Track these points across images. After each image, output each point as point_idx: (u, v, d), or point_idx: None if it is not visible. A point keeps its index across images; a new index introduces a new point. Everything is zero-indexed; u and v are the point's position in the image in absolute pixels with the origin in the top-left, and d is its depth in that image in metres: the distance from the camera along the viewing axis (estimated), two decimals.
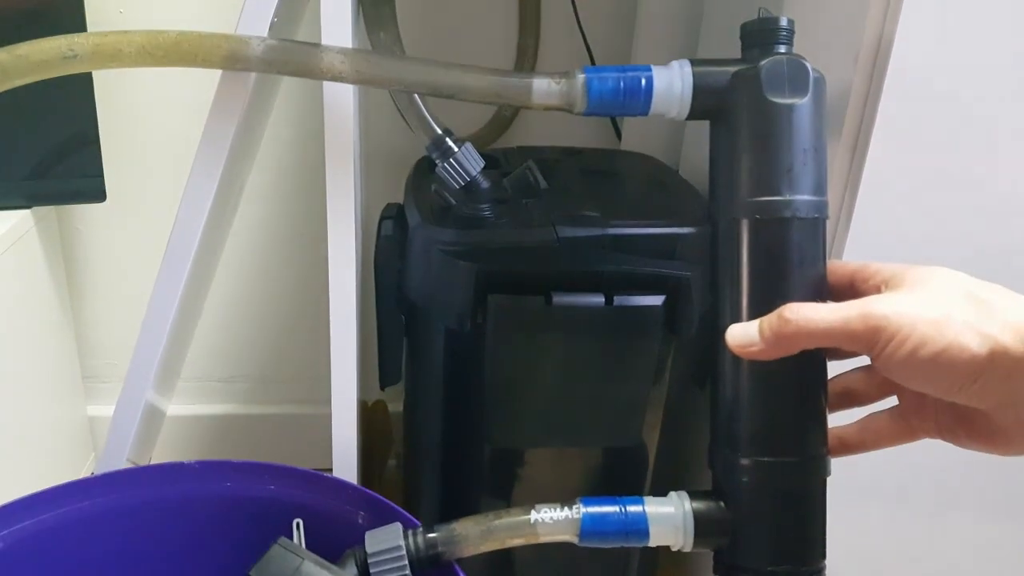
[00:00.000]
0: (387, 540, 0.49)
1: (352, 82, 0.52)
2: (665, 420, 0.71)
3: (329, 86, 0.57)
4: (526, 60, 0.96)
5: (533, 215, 0.67)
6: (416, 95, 0.63)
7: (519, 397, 0.69)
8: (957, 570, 0.78)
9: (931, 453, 0.68)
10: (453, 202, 0.66)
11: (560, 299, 0.63)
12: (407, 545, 0.49)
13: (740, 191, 0.47)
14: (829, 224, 0.58)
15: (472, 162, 0.65)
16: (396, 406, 1.06)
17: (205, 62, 0.52)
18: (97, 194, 0.87)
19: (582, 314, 0.64)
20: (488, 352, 0.66)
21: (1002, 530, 0.75)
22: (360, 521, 0.57)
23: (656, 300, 0.64)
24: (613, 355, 0.67)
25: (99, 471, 0.60)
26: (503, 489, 0.73)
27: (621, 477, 0.73)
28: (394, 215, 0.72)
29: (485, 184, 0.66)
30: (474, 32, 0.97)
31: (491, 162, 0.72)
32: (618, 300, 0.63)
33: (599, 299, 0.63)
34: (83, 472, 1.06)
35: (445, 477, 0.76)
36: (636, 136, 0.95)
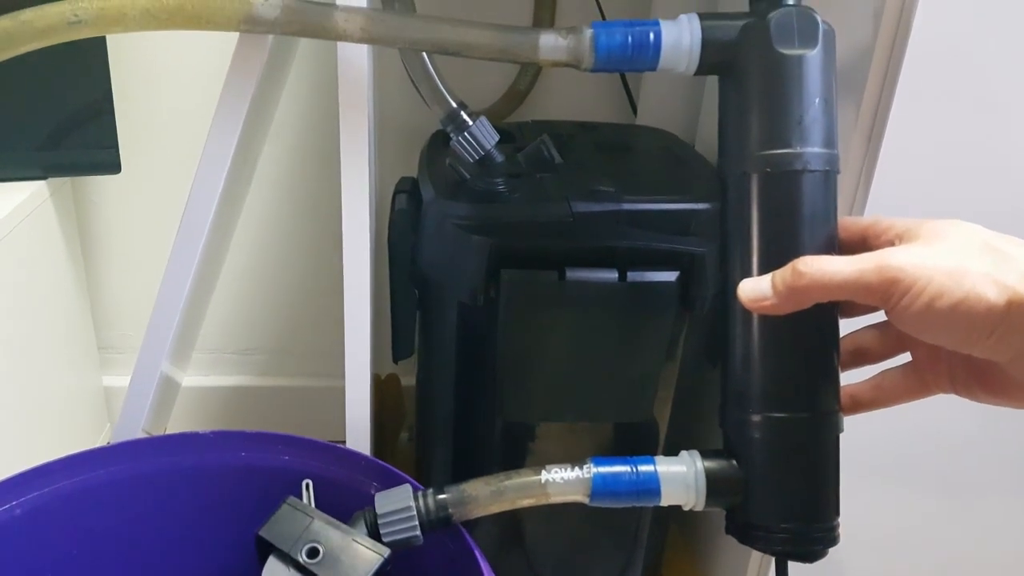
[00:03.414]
0: (397, 501, 0.49)
1: (358, 41, 0.52)
2: (677, 397, 0.71)
3: (343, 54, 0.57)
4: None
5: (547, 190, 0.66)
6: (430, 66, 0.63)
7: (532, 372, 0.69)
8: (971, 552, 0.78)
9: (947, 430, 0.68)
10: (467, 176, 0.66)
11: (574, 274, 0.63)
12: (417, 506, 0.49)
13: (750, 145, 0.47)
14: (849, 185, 0.57)
15: (487, 136, 0.65)
16: (409, 379, 1.07)
17: (210, 24, 0.51)
18: (112, 165, 0.87)
19: (595, 290, 0.64)
20: (501, 327, 0.66)
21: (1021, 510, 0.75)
22: (372, 492, 0.57)
23: (670, 276, 0.64)
24: (626, 331, 0.66)
25: (115, 441, 0.61)
26: (515, 463, 0.73)
27: (632, 453, 0.73)
28: (408, 189, 0.71)
29: (499, 158, 0.66)
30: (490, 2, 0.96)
31: (506, 136, 0.72)
32: (632, 276, 0.63)
33: (613, 275, 0.63)
34: (99, 442, 1.07)
35: (457, 451, 0.76)
36: (652, 111, 0.95)
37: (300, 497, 0.51)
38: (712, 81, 0.90)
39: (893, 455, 0.71)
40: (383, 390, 1.06)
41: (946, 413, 0.67)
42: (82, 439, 1.02)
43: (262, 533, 0.48)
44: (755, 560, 0.78)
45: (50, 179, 0.88)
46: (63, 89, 0.84)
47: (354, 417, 0.65)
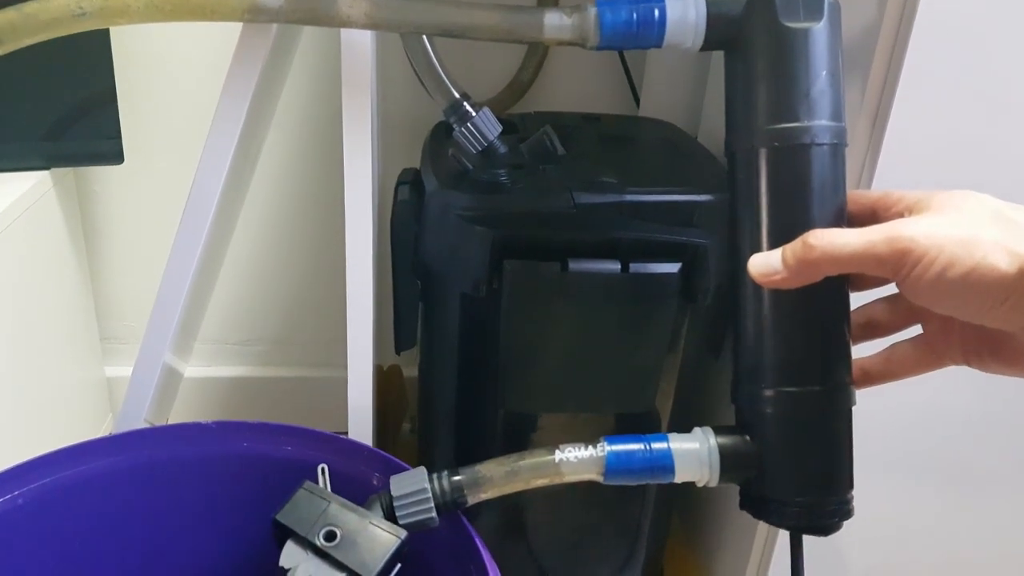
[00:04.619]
0: (413, 483, 0.49)
1: (361, 27, 0.52)
2: (679, 388, 0.71)
3: (347, 41, 0.57)
4: None
5: (550, 181, 0.66)
6: (433, 56, 0.63)
7: (534, 363, 0.69)
8: (975, 543, 0.78)
9: (952, 421, 0.68)
10: (470, 167, 0.66)
11: (576, 265, 0.63)
12: (433, 488, 0.49)
13: (757, 120, 0.47)
14: (855, 164, 0.56)
15: (489, 127, 0.64)
16: (411, 370, 1.07)
17: (215, 14, 0.51)
18: (115, 155, 0.87)
19: (598, 281, 0.63)
20: (503, 318, 0.66)
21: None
22: (375, 483, 0.57)
23: (672, 268, 0.64)
24: (628, 322, 0.66)
25: (117, 431, 0.61)
26: None
27: None
28: (411, 180, 0.71)
29: (502, 149, 0.66)
30: None
31: (509, 127, 0.72)
32: (634, 267, 0.63)
33: (615, 266, 0.63)
34: (101, 433, 1.07)
35: (459, 441, 0.77)
36: (655, 102, 0.94)
37: (316, 482, 0.51)
38: (715, 73, 0.90)
39: (897, 446, 0.71)
40: (385, 381, 1.07)
41: (951, 405, 0.67)
42: (84, 429, 1.03)
43: (279, 518, 0.48)
44: (756, 550, 0.78)
45: (53, 169, 0.88)
46: (66, 79, 0.84)
47: (356, 408, 0.65)
